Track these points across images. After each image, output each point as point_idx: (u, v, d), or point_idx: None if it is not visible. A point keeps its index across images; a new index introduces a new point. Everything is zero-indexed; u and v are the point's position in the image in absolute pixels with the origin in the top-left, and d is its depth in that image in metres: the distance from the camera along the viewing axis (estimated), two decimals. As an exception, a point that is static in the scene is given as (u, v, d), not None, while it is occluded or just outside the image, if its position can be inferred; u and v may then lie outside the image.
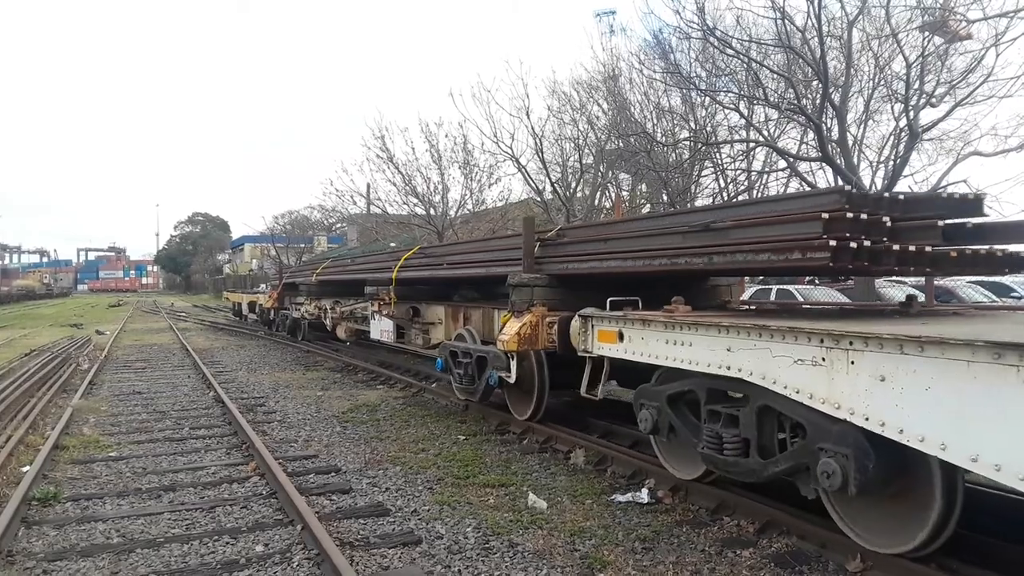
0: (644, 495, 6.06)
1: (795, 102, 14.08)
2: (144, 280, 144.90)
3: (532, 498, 6.00)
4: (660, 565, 4.75)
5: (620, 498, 6.06)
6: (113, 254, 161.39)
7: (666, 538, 5.22)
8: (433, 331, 11.10)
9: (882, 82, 15.39)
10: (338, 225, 57.15)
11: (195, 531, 5.41)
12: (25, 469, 6.79)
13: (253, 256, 76.77)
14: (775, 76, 15.52)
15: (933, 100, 13.28)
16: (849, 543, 4.72)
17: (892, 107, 14.83)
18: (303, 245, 55.70)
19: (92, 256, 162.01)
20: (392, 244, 27.85)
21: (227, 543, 5.15)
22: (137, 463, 7.43)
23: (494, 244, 9.66)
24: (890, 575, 4.44)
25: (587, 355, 6.55)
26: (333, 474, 6.96)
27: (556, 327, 7.13)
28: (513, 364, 7.87)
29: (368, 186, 31.95)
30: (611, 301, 6.45)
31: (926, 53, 13.29)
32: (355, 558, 4.81)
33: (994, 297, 17.32)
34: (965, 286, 17.88)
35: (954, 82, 13.38)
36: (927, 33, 13.37)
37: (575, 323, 6.76)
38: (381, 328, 12.44)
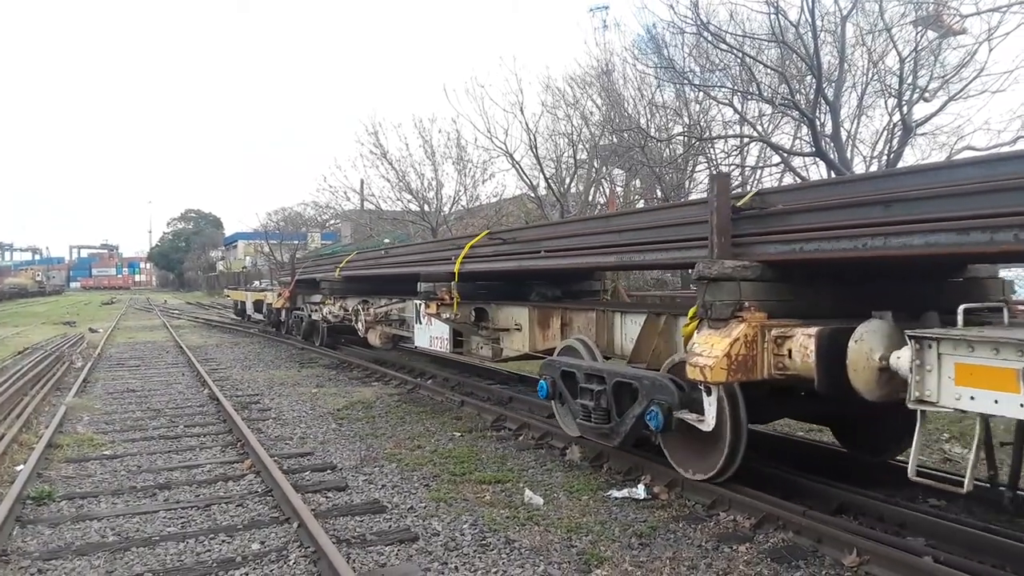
0: (640, 491, 6.06)
1: (789, 97, 14.09)
2: (137, 277, 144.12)
3: (528, 494, 6.00)
4: (657, 560, 4.76)
5: (616, 494, 6.06)
6: (106, 251, 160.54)
7: (662, 534, 5.22)
8: (507, 339, 9.10)
9: (875, 77, 15.43)
10: (332, 222, 57.06)
11: (191, 529, 5.39)
12: (19, 468, 6.76)
13: (247, 253, 76.53)
14: (769, 71, 15.52)
15: (926, 95, 13.32)
16: (845, 538, 4.74)
17: (886, 102, 14.87)
18: (297, 242, 55.53)
19: (84, 253, 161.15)
20: (386, 240, 27.81)
21: (223, 541, 5.14)
22: (132, 461, 7.41)
23: (630, 221, 6.85)
24: (886, 569, 4.45)
25: (928, 408, 4.06)
26: (329, 471, 6.95)
27: (810, 348, 4.70)
28: (711, 402, 5.39)
29: (362, 182, 31.89)
30: (966, 309, 4.16)
31: (919, 48, 13.31)
32: (352, 555, 4.80)
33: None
34: None
35: (947, 76, 13.43)
36: (920, 28, 13.40)
37: (879, 346, 4.36)
38: (431, 334, 10.57)
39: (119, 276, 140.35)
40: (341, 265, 14.67)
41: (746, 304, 5.05)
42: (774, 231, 5.15)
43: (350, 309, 14.73)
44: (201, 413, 10.02)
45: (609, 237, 6.76)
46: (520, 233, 8.67)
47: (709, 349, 5.02)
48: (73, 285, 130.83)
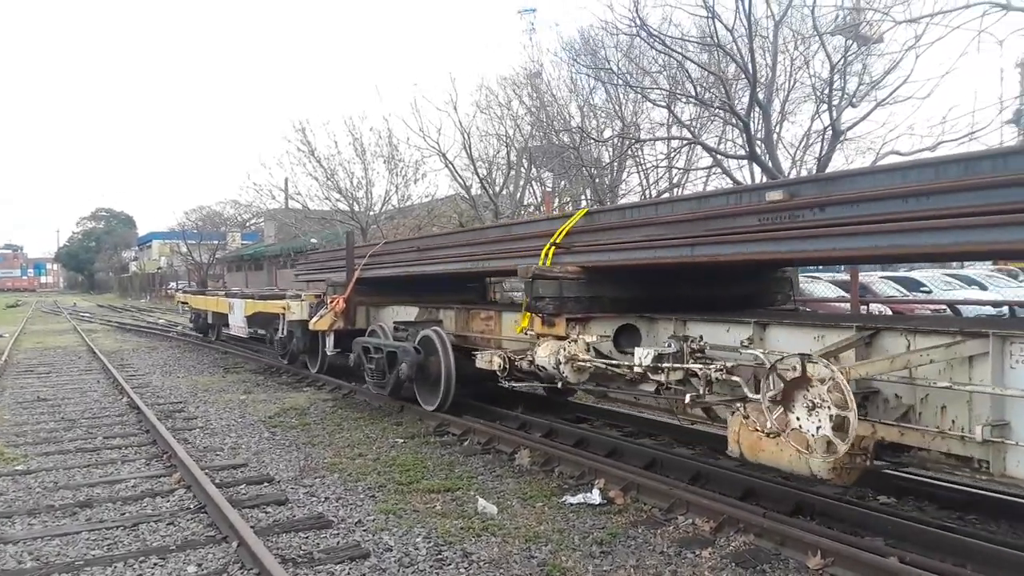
0: (595, 496, 5.91)
1: (726, 100, 14.24)
2: (43, 279, 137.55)
3: (481, 503, 5.77)
4: (620, 569, 4.61)
5: (571, 500, 5.90)
6: (9, 252, 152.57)
7: (623, 540, 5.08)
8: None
9: (801, 81, 15.80)
10: (253, 221, 55.53)
11: (118, 552, 4.96)
12: (-82, 488, 6.15)
13: (162, 253, 74.01)
14: (703, 73, 15.65)
15: (854, 101, 13.66)
16: (809, 539, 4.69)
17: (816, 106, 15.21)
18: (216, 242, 53.87)
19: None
20: (313, 240, 27.12)
21: (155, 564, 4.73)
22: (47, 477, 6.84)
23: None
24: (851, 571, 4.41)
25: None
26: (266, 484, 6.55)
27: None
28: None
29: (286, 180, 31.02)
30: None
31: (848, 55, 13.64)
32: (300, 576, 4.49)
33: (905, 292, 18.04)
34: (879, 281, 18.57)
35: (874, 83, 13.81)
36: (843, 37, 13.75)
37: None
38: None
39: (24, 278, 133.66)
40: (557, 239, 7.05)
41: None
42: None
43: (642, 360, 5.89)
44: (121, 423, 9.40)
45: None
46: None
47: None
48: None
